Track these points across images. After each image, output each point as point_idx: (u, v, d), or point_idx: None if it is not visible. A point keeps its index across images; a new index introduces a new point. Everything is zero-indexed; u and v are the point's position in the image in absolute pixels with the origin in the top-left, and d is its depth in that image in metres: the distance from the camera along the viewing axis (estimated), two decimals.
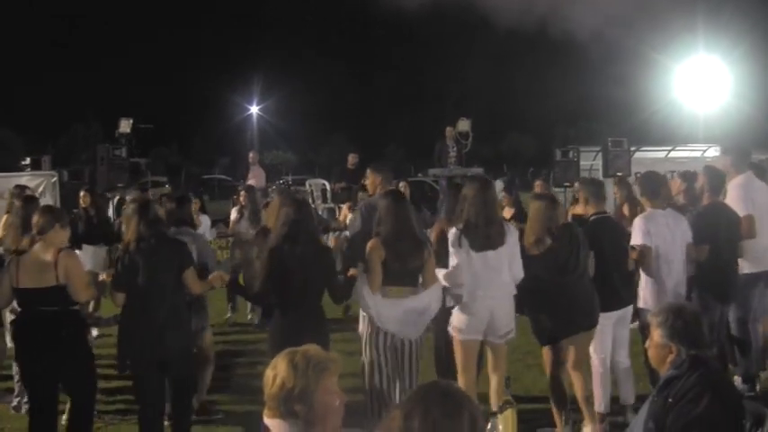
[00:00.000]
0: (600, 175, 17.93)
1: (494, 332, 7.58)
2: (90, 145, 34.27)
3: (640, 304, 8.34)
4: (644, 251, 8.12)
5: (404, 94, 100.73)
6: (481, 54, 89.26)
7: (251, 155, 23.42)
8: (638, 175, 9.37)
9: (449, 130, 21.64)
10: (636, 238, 8.20)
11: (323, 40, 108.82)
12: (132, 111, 22.76)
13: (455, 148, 21.42)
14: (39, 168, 18.44)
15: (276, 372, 3.91)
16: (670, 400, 4.60)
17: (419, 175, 32.99)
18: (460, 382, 7.41)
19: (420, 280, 7.44)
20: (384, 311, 7.19)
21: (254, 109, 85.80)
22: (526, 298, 7.74)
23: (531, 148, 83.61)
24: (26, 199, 9.36)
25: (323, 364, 3.94)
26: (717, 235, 8.70)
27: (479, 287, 7.42)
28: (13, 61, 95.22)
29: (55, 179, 17.13)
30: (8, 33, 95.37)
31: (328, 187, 25.21)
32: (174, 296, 7.21)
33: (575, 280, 7.56)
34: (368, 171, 9.46)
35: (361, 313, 7.57)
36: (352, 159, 21.33)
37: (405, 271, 7.26)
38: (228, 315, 13.57)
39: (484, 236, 7.41)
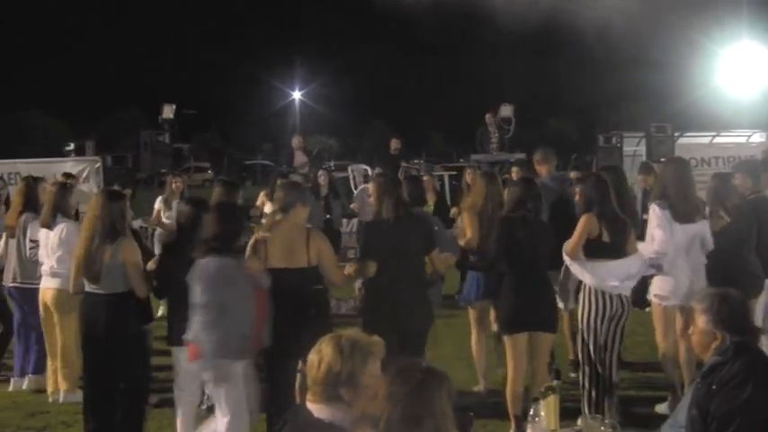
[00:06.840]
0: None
1: (693, 297, 8.01)
2: (133, 130, 34.52)
3: None
4: None
5: (444, 79, 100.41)
6: (521, 38, 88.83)
7: (295, 140, 22.43)
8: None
9: (488, 116, 21.58)
10: None
11: (364, 25, 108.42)
12: (175, 96, 22.90)
13: (497, 134, 21.37)
14: (83, 154, 18.58)
15: (321, 356, 3.93)
16: (714, 386, 4.59)
17: (461, 160, 32.84)
18: (660, 347, 8.24)
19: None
20: (597, 271, 7.60)
21: (297, 95, 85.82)
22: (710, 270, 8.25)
23: (573, 134, 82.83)
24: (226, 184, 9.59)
25: (368, 348, 3.96)
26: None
27: (680, 256, 8.05)
28: (55, 47, 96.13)
29: (98, 165, 17.21)
30: (50, 19, 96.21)
31: (370, 172, 25.11)
32: (418, 273, 7.59)
33: (747, 253, 8.44)
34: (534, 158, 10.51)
35: (583, 292, 7.86)
36: (394, 144, 21.24)
37: (612, 244, 7.69)
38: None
39: (684, 210, 8.07)
